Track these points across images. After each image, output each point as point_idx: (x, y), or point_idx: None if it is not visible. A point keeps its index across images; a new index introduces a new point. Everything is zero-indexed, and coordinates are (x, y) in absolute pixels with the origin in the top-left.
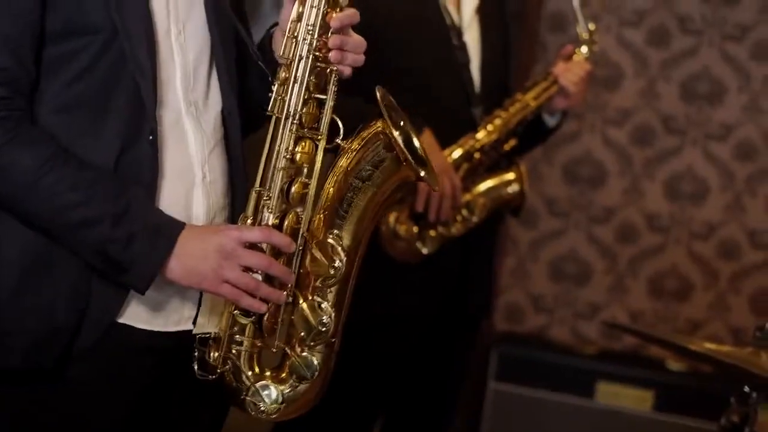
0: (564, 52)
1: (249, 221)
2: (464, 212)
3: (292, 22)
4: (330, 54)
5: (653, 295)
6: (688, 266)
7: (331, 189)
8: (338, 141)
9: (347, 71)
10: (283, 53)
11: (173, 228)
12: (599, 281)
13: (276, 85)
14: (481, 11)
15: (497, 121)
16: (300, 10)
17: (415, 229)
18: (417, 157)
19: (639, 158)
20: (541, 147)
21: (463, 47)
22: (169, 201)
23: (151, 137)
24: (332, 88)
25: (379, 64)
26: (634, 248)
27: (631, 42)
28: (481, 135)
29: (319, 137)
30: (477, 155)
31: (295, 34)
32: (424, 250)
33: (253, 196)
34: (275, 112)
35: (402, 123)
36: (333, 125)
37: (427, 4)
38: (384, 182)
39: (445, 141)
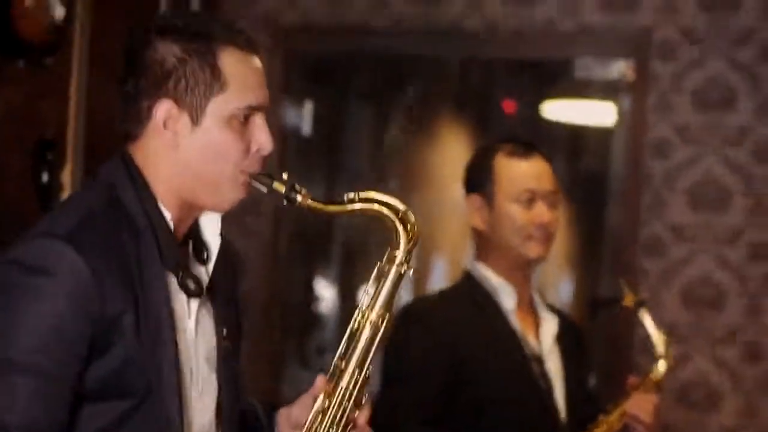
0: (631, 383)
1: None
2: None
3: (316, 413)
4: None
5: None
6: None
7: None
8: None
9: None
10: None
11: None
12: None
13: None
14: (561, 339)
15: None
16: (325, 405)
17: None
18: None
19: None
20: None
21: (545, 375)
22: None
23: None
24: None
25: (463, 399)
26: None
27: (726, 360)
28: None
29: None
30: None
31: (315, 427)
32: None
33: None
34: None
35: None
36: None
37: (505, 337)
38: None
39: None
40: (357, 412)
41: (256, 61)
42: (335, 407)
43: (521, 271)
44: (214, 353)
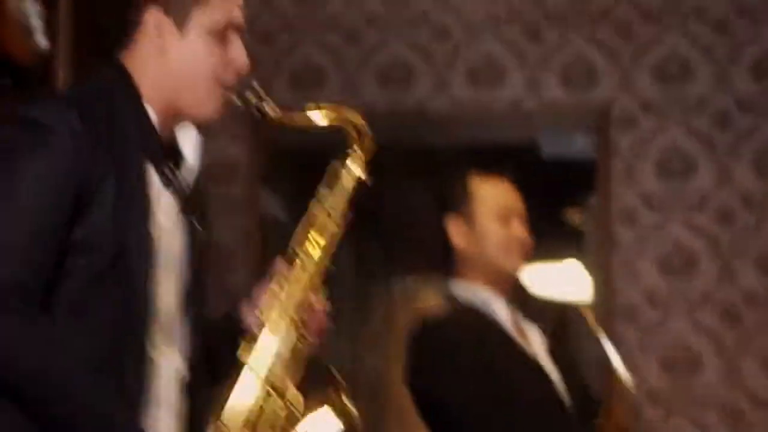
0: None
1: None
2: None
3: (272, 292)
4: (305, 332)
5: None
6: None
7: None
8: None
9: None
10: (263, 318)
11: None
12: None
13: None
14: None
15: None
16: (281, 287)
17: None
18: None
19: None
20: None
21: (546, 375)
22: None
23: (142, 356)
24: (300, 359)
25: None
26: None
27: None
28: None
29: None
30: None
31: (271, 305)
32: None
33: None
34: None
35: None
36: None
37: (508, 342)
38: None
39: None
40: (313, 297)
41: None
42: (291, 290)
43: (503, 285)
44: (178, 250)
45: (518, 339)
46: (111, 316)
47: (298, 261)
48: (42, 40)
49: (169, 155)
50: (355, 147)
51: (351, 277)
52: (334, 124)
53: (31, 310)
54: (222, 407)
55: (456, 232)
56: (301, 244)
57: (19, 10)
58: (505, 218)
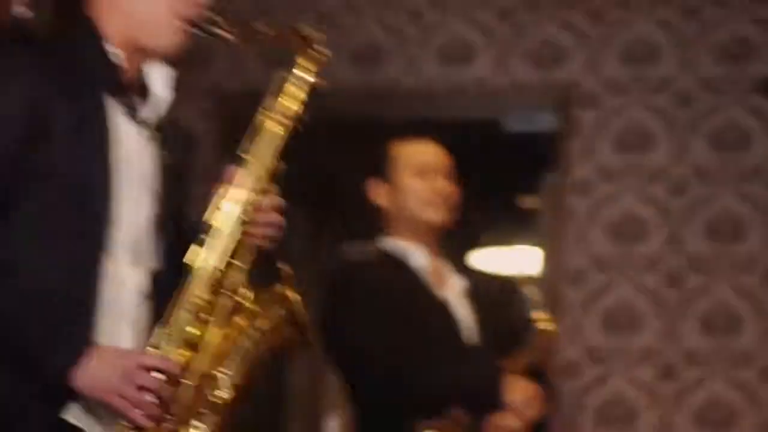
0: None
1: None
2: None
3: (220, 195)
4: (255, 230)
5: None
6: None
7: (226, 331)
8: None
9: (268, 244)
10: (211, 220)
11: (89, 345)
12: None
13: (201, 244)
14: (473, 296)
15: None
16: (234, 188)
17: None
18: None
19: None
20: None
21: (451, 315)
22: (101, 330)
23: (97, 273)
24: (249, 256)
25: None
26: None
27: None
28: None
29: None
30: None
31: (219, 203)
32: None
33: (158, 332)
34: (195, 263)
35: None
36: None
37: (417, 286)
38: (271, 335)
39: None
40: (261, 197)
41: None
42: (239, 192)
43: (427, 237)
44: (146, 175)
45: (431, 282)
46: (67, 238)
47: (245, 165)
48: (22, 10)
49: (138, 90)
50: (303, 56)
51: (307, 244)
52: (283, 36)
53: None
54: (172, 307)
55: (378, 193)
56: (248, 149)
57: None
58: (424, 174)
